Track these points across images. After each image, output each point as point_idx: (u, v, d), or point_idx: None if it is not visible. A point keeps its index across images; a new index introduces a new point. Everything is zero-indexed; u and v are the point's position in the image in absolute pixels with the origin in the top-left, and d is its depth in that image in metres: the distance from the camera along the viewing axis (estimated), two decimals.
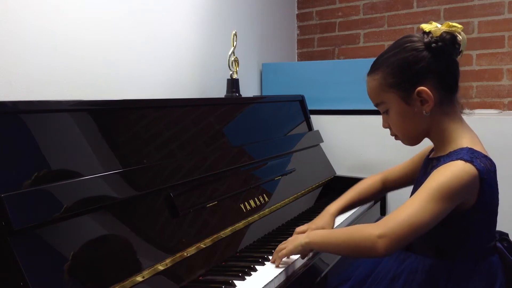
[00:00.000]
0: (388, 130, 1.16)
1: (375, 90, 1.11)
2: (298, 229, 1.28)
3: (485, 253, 1.07)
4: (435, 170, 1.02)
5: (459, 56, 1.08)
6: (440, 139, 1.10)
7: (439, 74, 1.05)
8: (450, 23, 1.05)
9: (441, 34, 1.04)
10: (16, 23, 1.31)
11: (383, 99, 1.10)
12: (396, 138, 1.15)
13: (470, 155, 1.00)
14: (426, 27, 1.07)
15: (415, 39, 1.07)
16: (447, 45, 1.04)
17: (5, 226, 0.78)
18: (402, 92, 1.07)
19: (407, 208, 0.97)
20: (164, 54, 1.85)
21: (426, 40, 1.05)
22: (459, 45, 1.06)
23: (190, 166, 1.25)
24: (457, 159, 1.00)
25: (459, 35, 1.05)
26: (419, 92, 1.04)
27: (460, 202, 1.00)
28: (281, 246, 1.16)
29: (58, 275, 0.83)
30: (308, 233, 1.12)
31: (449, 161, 1.01)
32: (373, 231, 0.97)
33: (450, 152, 1.05)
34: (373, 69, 1.11)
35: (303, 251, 1.12)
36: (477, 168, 0.98)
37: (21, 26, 1.32)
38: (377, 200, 1.96)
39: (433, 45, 1.04)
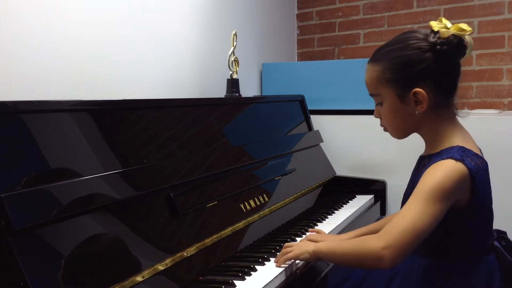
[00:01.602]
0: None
1: (372, 81, 1.10)
2: (311, 236, 1.28)
3: (481, 252, 1.07)
4: (426, 171, 1.01)
5: (462, 58, 1.05)
6: (431, 138, 1.09)
7: (438, 78, 1.03)
8: (460, 26, 1.02)
9: (449, 37, 1.01)
10: (16, 23, 1.31)
11: (379, 91, 1.10)
12: (385, 130, 1.15)
13: (461, 153, 1.00)
14: (435, 25, 1.03)
15: (421, 36, 1.04)
16: (453, 49, 1.02)
17: (5, 226, 0.78)
18: (398, 89, 1.06)
19: (406, 216, 0.97)
20: (164, 54, 1.85)
21: (432, 39, 1.02)
22: (465, 49, 1.03)
23: (190, 166, 1.25)
24: (447, 157, 0.99)
25: (466, 40, 1.02)
26: (415, 93, 1.04)
27: (455, 201, 1.00)
28: (287, 248, 1.15)
29: (58, 275, 0.83)
30: (317, 244, 1.11)
31: (440, 160, 1.00)
32: (377, 243, 0.97)
33: (442, 150, 1.05)
34: (375, 59, 1.09)
35: (309, 258, 1.11)
36: (467, 167, 0.98)
37: (21, 26, 1.32)
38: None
39: (438, 47, 1.01)
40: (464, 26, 1.02)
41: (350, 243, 1.05)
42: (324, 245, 1.09)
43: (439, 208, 0.97)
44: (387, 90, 1.07)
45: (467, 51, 1.03)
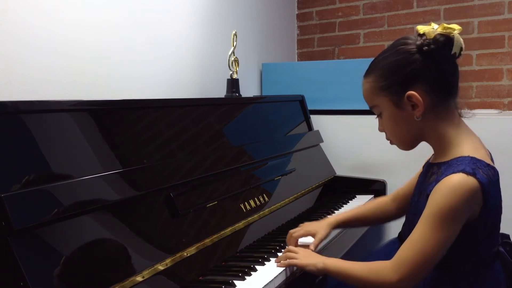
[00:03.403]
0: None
1: (368, 93, 1.11)
2: (292, 231, 1.27)
3: (487, 261, 1.05)
4: (436, 186, 0.98)
5: (458, 58, 1.04)
6: (439, 144, 1.07)
7: (430, 78, 1.02)
8: (446, 25, 1.02)
9: (435, 36, 1.01)
10: (16, 23, 1.31)
11: (375, 102, 1.09)
12: (391, 142, 1.14)
13: (472, 165, 0.97)
14: (421, 28, 1.04)
15: (410, 41, 1.04)
16: (440, 48, 1.01)
17: (5, 226, 0.78)
18: (393, 96, 1.05)
19: (419, 246, 0.96)
20: (164, 54, 1.85)
21: (418, 42, 1.02)
22: (452, 47, 1.02)
23: (190, 166, 1.25)
24: (458, 171, 0.96)
25: (455, 37, 1.01)
26: (409, 97, 1.03)
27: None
28: (291, 253, 1.14)
29: (58, 275, 0.83)
30: (325, 260, 1.10)
31: (450, 172, 0.97)
32: (392, 276, 0.97)
33: (451, 160, 1.01)
34: (368, 72, 1.10)
35: (316, 272, 1.10)
36: (479, 182, 0.95)
37: (21, 26, 1.32)
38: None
39: (425, 48, 1.01)
40: (451, 25, 1.02)
41: (362, 268, 1.04)
42: (334, 265, 1.08)
43: (452, 231, 0.96)
44: (382, 98, 1.07)
45: (455, 48, 1.01)
